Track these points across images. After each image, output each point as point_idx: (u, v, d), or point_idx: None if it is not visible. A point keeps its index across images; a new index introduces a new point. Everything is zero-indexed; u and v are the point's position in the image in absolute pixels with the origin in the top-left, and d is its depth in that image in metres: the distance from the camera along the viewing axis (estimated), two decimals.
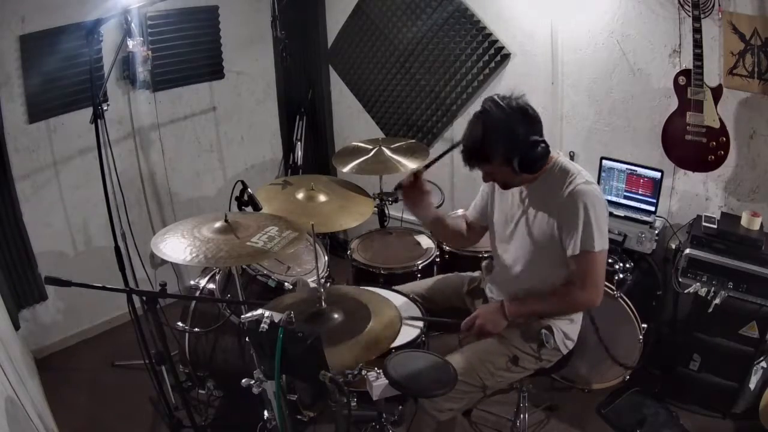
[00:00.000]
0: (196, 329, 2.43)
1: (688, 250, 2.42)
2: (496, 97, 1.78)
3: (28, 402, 2.09)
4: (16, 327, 2.84)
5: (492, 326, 1.93)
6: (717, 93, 2.41)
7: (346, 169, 2.86)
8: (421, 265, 2.62)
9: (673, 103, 2.55)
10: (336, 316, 1.72)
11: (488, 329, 1.93)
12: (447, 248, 2.73)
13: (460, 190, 3.55)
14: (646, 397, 2.61)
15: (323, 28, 3.86)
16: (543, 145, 1.79)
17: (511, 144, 1.76)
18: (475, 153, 1.82)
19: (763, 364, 2.38)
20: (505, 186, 1.96)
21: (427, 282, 2.33)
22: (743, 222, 2.40)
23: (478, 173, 3.36)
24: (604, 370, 2.62)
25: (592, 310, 2.49)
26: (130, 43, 2.98)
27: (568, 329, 1.96)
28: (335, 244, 3.84)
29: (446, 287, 2.27)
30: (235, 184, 2.30)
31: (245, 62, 3.69)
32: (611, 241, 2.62)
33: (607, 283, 2.46)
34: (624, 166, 2.73)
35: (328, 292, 1.76)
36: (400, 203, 3.01)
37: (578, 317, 2.01)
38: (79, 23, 2.71)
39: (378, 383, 1.60)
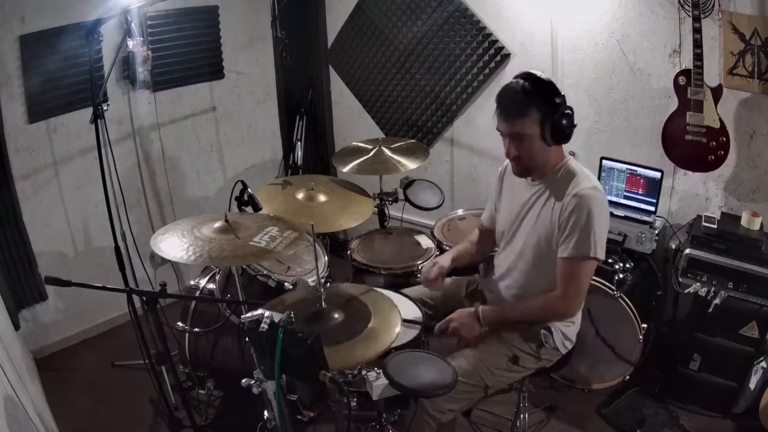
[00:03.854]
0: (196, 329, 2.43)
1: (688, 250, 2.42)
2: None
3: (28, 402, 2.09)
4: (16, 327, 2.84)
5: (466, 331, 1.92)
6: (717, 93, 2.41)
7: (346, 169, 2.86)
8: (421, 265, 2.62)
9: (673, 103, 2.55)
10: (336, 316, 1.72)
11: (462, 333, 1.93)
12: (447, 248, 2.73)
13: (460, 190, 3.55)
14: (646, 397, 2.61)
15: (323, 28, 3.86)
16: (572, 118, 1.79)
17: (549, 103, 1.77)
18: (515, 104, 1.78)
19: (763, 364, 2.38)
20: (522, 168, 1.90)
21: (420, 289, 2.29)
22: (743, 222, 2.40)
23: (477, 173, 3.36)
24: (604, 370, 2.62)
25: (593, 311, 2.49)
26: (130, 43, 2.98)
27: (567, 330, 1.96)
28: (335, 244, 3.84)
29: (445, 292, 2.25)
30: (235, 184, 2.30)
31: (245, 62, 3.69)
32: (611, 241, 2.63)
33: (606, 283, 2.47)
34: (624, 166, 2.73)
35: (330, 290, 1.76)
36: (400, 203, 3.03)
37: (577, 318, 2.01)
38: (79, 23, 2.70)
39: (378, 383, 1.60)
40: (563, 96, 1.80)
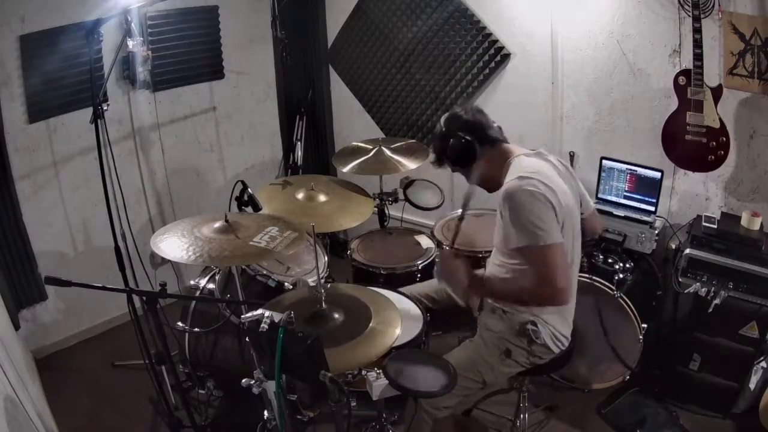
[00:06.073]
0: (196, 329, 2.43)
1: (688, 250, 2.42)
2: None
3: (28, 402, 2.09)
4: (16, 327, 2.84)
5: (450, 284, 2.02)
6: (717, 93, 2.40)
7: (346, 169, 2.86)
8: (421, 265, 2.62)
9: (673, 103, 2.55)
10: (336, 316, 1.72)
11: (448, 281, 2.00)
12: (447, 248, 2.73)
13: (460, 190, 3.55)
14: (646, 397, 2.61)
15: (323, 28, 3.86)
16: (464, 143, 1.89)
17: (441, 136, 1.96)
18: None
19: (763, 364, 2.38)
20: (482, 188, 2.06)
21: (428, 284, 2.33)
22: (743, 222, 2.40)
23: None
24: (604, 370, 2.62)
25: (593, 311, 2.49)
26: (130, 43, 2.98)
27: (555, 329, 1.94)
28: (335, 244, 3.84)
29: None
30: (235, 184, 2.30)
31: (245, 62, 3.69)
32: (612, 241, 2.64)
33: (606, 283, 2.47)
34: (624, 166, 2.73)
35: (330, 291, 1.76)
36: (400, 203, 3.03)
37: (569, 316, 1.98)
38: (79, 23, 2.71)
39: (378, 383, 1.60)
40: (462, 125, 1.91)
